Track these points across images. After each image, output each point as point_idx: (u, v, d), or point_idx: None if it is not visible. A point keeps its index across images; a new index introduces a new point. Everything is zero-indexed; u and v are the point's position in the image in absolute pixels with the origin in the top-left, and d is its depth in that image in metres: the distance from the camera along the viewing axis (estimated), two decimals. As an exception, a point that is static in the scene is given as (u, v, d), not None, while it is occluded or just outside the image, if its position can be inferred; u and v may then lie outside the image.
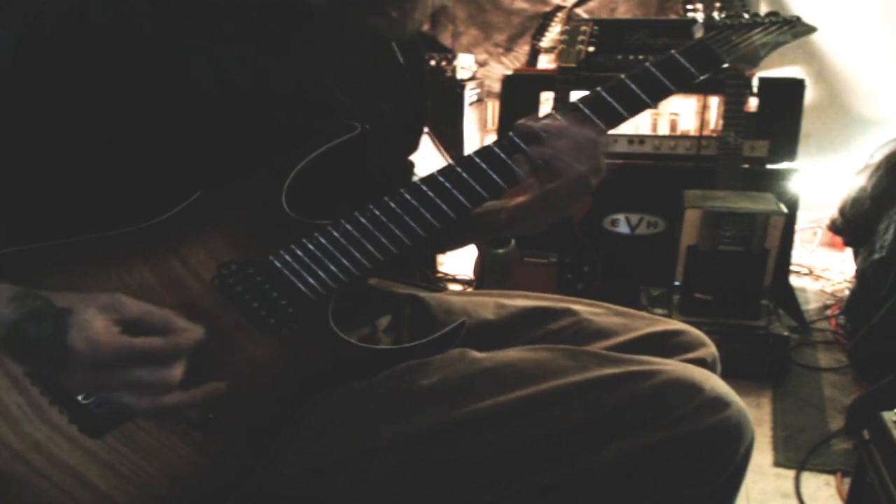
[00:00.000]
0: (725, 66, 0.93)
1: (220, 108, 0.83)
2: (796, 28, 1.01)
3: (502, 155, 0.86)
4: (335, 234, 0.83)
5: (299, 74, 0.89)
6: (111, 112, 0.80)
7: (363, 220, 0.84)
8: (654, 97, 0.89)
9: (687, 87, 0.90)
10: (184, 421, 0.78)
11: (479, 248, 2.43)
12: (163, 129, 0.82)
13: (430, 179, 0.86)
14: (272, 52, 0.87)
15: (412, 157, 1.16)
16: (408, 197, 0.84)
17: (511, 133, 0.87)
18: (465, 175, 0.85)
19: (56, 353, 0.69)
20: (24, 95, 0.80)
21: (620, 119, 0.88)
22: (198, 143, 0.83)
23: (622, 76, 0.89)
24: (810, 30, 1.02)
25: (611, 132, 0.94)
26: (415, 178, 0.90)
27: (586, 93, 0.89)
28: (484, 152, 0.86)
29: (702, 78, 0.91)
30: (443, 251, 1.06)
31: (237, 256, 0.82)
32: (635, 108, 0.88)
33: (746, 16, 0.99)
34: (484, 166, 0.86)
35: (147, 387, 0.71)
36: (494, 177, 0.85)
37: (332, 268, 0.83)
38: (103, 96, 0.80)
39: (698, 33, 0.97)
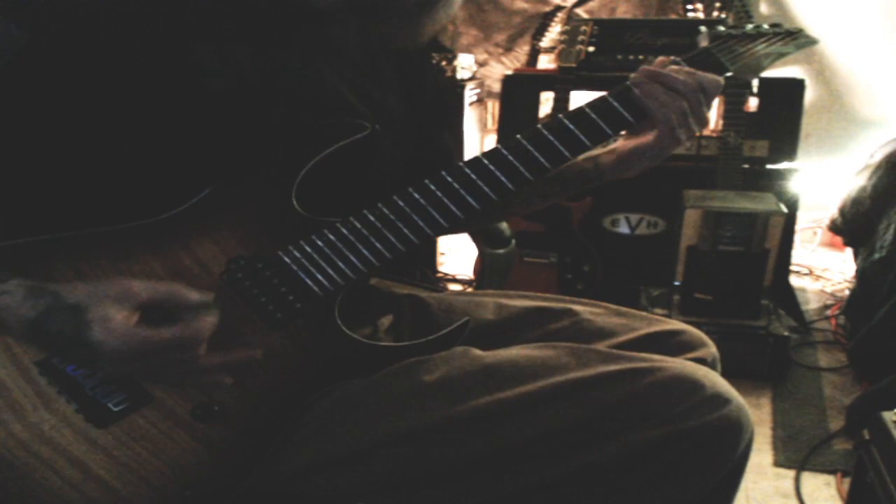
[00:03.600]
0: (729, 74, 0.95)
1: (226, 105, 0.83)
2: (799, 39, 1.03)
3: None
4: (344, 230, 0.84)
5: (304, 72, 0.89)
6: (119, 110, 0.81)
7: (372, 217, 0.84)
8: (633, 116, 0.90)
9: None
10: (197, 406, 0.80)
11: (479, 248, 2.43)
12: (170, 127, 0.82)
13: (437, 178, 0.86)
14: (278, 50, 0.88)
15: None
16: (416, 196, 0.85)
17: (627, 83, 0.89)
18: (473, 176, 0.85)
19: (81, 350, 0.71)
20: (34, 93, 0.81)
21: (627, 125, 0.90)
22: (205, 140, 0.83)
23: (626, 83, 0.90)
24: (813, 42, 1.04)
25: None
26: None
27: (586, 93, 0.90)
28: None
29: None
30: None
31: (246, 251, 0.82)
32: (640, 115, 0.90)
33: (750, 26, 1.01)
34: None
35: (179, 366, 0.75)
36: (502, 177, 0.86)
37: (341, 264, 0.84)
38: (110, 95, 0.80)
39: (703, 42, 0.98)
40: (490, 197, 0.86)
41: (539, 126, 0.87)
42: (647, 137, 0.92)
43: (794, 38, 1.02)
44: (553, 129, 0.87)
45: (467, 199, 0.85)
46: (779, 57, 1.01)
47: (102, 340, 0.70)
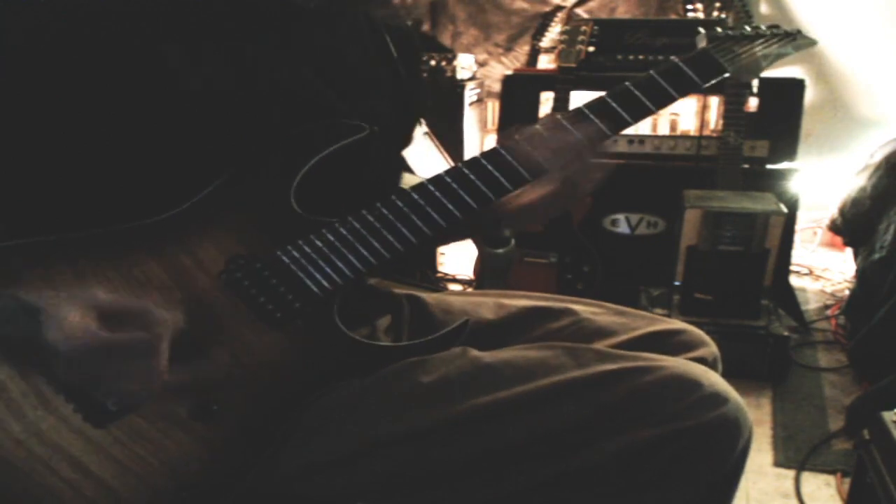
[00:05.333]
0: (727, 75, 0.95)
1: (200, 104, 0.83)
2: (797, 41, 1.04)
3: (508, 157, 0.88)
4: (343, 231, 0.84)
5: (284, 73, 0.89)
6: (95, 113, 0.80)
7: (371, 217, 0.85)
8: (658, 104, 0.91)
9: (689, 94, 0.92)
10: (185, 411, 0.79)
11: (479, 248, 2.43)
12: (147, 128, 0.82)
13: (437, 180, 0.87)
14: (256, 48, 0.87)
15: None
16: (415, 197, 0.86)
17: (516, 136, 0.89)
18: (471, 176, 0.87)
19: (34, 352, 0.69)
20: (11, 95, 0.80)
21: (625, 124, 0.90)
22: (192, 141, 0.83)
23: (627, 83, 0.90)
24: (811, 42, 1.05)
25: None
26: (413, 175, 0.91)
27: (586, 93, 0.91)
28: (491, 154, 0.88)
29: (705, 86, 0.93)
30: (445, 244, 1.10)
31: (245, 252, 0.82)
32: (639, 115, 0.90)
33: (748, 28, 1.02)
34: (490, 168, 0.87)
35: (136, 377, 0.71)
36: (501, 179, 0.87)
37: (339, 264, 0.84)
38: (84, 97, 0.80)
39: (701, 43, 0.99)
40: (489, 197, 0.87)
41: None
42: (545, 190, 0.94)
43: (792, 40, 1.03)
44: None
45: (466, 199, 0.86)
46: (777, 58, 1.02)
47: (57, 340, 0.67)
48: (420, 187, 0.86)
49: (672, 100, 0.91)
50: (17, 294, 0.70)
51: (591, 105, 0.90)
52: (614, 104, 0.89)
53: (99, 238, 0.80)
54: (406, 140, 1.15)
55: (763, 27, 1.05)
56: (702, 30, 1.03)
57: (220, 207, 0.84)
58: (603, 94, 0.90)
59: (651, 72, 0.91)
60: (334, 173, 0.87)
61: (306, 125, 0.88)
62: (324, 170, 0.86)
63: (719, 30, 1.01)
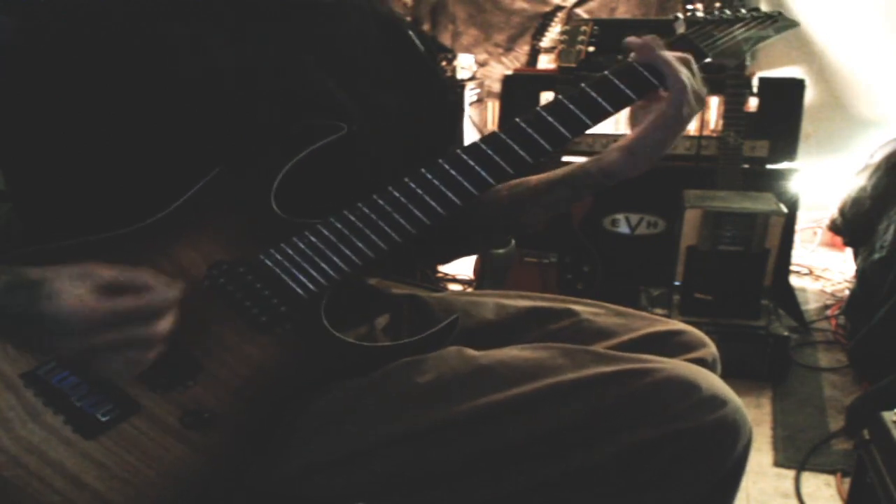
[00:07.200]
0: (708, 60, 0.93)
1: (204, 97, 0.82)
2: (778, 23, 1.02)
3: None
4: (325, 231, 0.83)
5: (288, 66, 0.89)
6: (94, 113, 0.80)
7: (353, 217, 0.84)
8: (639, 93, 0.89)
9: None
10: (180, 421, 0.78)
11: (479, 248, 2.43)
12: (147, 124, 0.81)
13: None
14: (256, 41, 0.87)
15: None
16: (396, 194, 0.84)
17: (629, 60, 0.87)
18: (452, 171, 0.84)
19: (35, 325, 0.69)
20: (8, 95, 0.80)
21: (605, 114, 0.88)
22: (184, 137, 0.82)
23: (606, 73, 0.89)
24: (792, 24, 1.02)
25: (609, 132, 0.93)
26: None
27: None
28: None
29: None
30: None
31: (228, 256, 0.82)
32: (619, 104, 0.88)
33: (728, 11, 1.00)
34: (593, 95, 0.86)
35: (136, 342, 0.71)
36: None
37: (323, 265, 0.83)
38: (84, 98, 0.80)
39: (680, 29, 0.97)
40: (470, 192, 0.84)
41: (533, 112, 0.86)
42: (651, 119, 0.89)
43: (773, 22, 1.01)
44: (552, 111, 0.86)
45: (448, 194, 0.84)
46: (759, 41, 0.99)
47: (52, 312, 0.68)
48: (400, 183, 0.84)
49: (653, 87, 0.88)
50: (18, 269, 0.70)
51: (568, 98, 0.88)
52: (593, 94, 0.87)
53: (81, 247, 0.79)
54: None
55: (743, 10, 1.03)
56: (680, 15, 1.01)
57: (202, 211, 0.83)
58: (581, 84, 0.89)
59: (630, 60, 0.88)
60: (317, 173, 0.85)
61: (286, 126, 0.87)
62: (305, 170, 0.85)
63: (699, 14, 0.99)
